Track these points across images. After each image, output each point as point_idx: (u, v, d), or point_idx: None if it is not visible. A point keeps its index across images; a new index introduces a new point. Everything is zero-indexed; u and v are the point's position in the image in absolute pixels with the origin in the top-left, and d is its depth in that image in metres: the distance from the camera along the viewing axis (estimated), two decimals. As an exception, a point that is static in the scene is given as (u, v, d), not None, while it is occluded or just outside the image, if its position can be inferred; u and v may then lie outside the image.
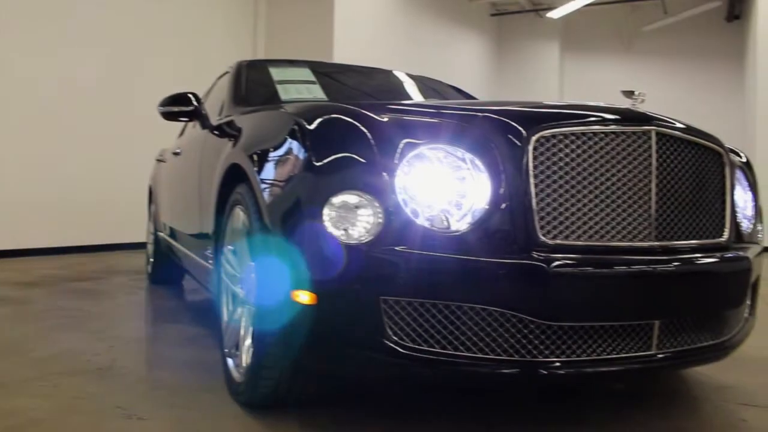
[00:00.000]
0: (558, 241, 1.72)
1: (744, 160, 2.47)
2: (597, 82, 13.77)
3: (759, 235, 2.39)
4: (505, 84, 14.10)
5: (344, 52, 8.38)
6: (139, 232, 6.67)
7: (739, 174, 2.34)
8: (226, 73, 3.71)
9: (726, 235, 2.06)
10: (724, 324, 2.06)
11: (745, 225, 2.28)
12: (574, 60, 14.35)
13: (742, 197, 2.31)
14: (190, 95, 3.33)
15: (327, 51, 8.35)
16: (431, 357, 1.67)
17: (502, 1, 13.87)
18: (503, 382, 1.77)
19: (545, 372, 1.70)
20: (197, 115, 3.31)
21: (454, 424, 1.99)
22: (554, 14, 12.57)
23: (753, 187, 2.42)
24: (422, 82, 3.88)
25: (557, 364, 1.71)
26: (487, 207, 1.70)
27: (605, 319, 1.74)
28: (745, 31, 12.08)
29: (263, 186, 1.96)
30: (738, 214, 2.24)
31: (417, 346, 1.66)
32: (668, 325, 1.84)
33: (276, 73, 3.47)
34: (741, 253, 2.08)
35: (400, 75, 3.91)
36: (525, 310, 1.65)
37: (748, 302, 2.21)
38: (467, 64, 12.86)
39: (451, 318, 1.66)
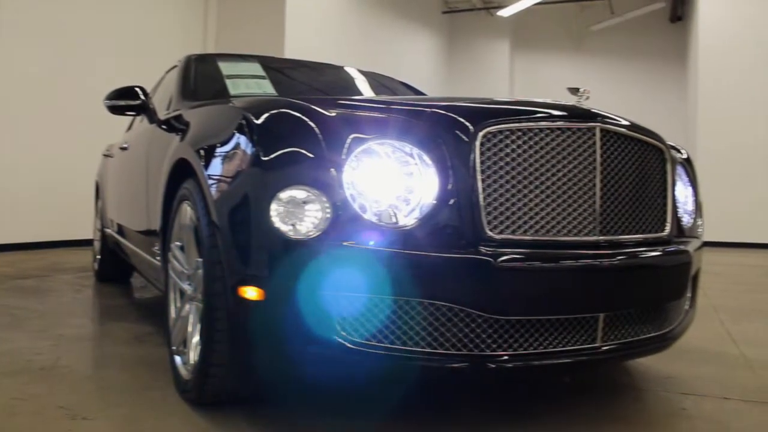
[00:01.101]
0: (505, 236, 1.74)
1: (685, 156, 2.53)
2: (547, 80, 13.98)
3: (699, 230, 2.46)
4: (456, 81, 14.21)
5: (296, 48, 8.33)
6: (86, 229, 6.52)
7: (680, 170, 2.40)
8: (175, 67, 3.65)
9: (668, 229, 2.12)
10: (666, 316, 2.11)
11: (686, 220, 2.35)
12: (525, 58, 14.55)
13: (682, 193, 2.37)
14: (137, 89, 3.26)
15: (278, 46, 8.29)
16: (380, 352, 1.67)
17: (453, -1, 13.98)
18: (452, 376, 1.78)
19: (493, 366, 1.72)
20: (144, 109, 3.25)
21: (401, 419, 2.00)
22: (505, 12, 12.72)
23: (693, 182, 2.48)
24: (373, 79, 3.88)
25: (505, 357, 1.73)
26: (434, 202, 1.71)
27: (552, 312, 1.77)
28: (688, 32, 12.43)
29: (210, 181, 1.93)
30: (679, 209, 2.30)
31: (366, 342, 1.66)
32: (612, 318, 1.88)
33: (225, 67, 3.43)
34: (682, 247, 2.13)
35: (351, 71, 3.91)
36: (473, 304, 1.67)
37: (689, 295, 2.27)
38: (419, 61, 12.92)
39: (400, 313, 1.66)
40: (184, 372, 2.13)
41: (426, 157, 1.73)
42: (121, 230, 3.89)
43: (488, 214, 1.73)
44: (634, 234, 1.98)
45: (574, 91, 2.10)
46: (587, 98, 2.09)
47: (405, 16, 12.28)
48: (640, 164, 2.03)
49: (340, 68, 3.93)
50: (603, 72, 13.92)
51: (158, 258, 2.65)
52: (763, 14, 10.25)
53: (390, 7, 11.67)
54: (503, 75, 14.14)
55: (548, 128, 1.84)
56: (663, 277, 2.06)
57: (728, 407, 2.20)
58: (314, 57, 5.59)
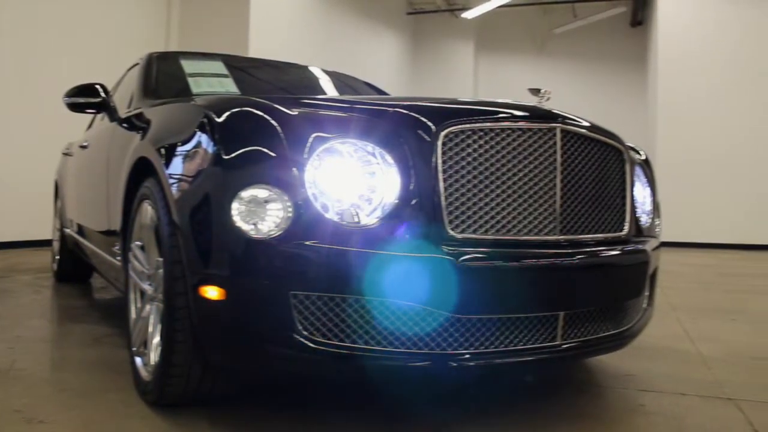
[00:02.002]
0: (466, 235, 1.75)
1: (643, 157, 2.58)
2: (510, 82, 14.12)
3: (657, 229, 2.51)
4: (420, 82, 14.27)
5: (260, 47, 8.27)
6: (45, 229, 6.39)
7: (638, 171, 2.45)
8: (136, 64, 3.60)
9: (626, 229, 2.15)
10: (625, 314, 2.15)
11: (644, 219, 2.39)
12: (489, 60, 14.67)
13: (641, 193, 2.41)
14: (98, 86, 3.21)
15: (242, 45, 8.23)
16: (342, 351, 1.67)
17: (418, 0, 14.02)
18: (414, 375, 1.79)
19: (455, 364, 1.73)
20: (105, 106, 3.20)
21: (359, 419, 2.00)
22: (469, 14, 12.81)
23: (651, 183, 2.53)
24: (337, 78, 3.88)
25: (467, 356, 1.74)
26: (396, 201, 1.71)
27: (513, 311, 1.79)
28: (647, 36, 12.67)
29: (171, 180, 1.91)
30: (637, 209, 2.34)
31: (328, 341, 1.66)
32: (572, 316, 1.90)
33: (188, 65, 3.40)
34: (640, 247, 2.17)
35: (315, 71, 3.90)
36: (435, 303, 1.68)
37: (647, 293, 2.32)
38: (383, 62, 12.94)
39: (362, 312, 1.66)
40: (144, 373, 2.10)
41: (388, 157, 1.74)
42: (80, 230, 3.83)
43: (450, 213, 1.74)
44: (593, 233, 2.02)
45: (535, 92, 2.12)
46: (548, 99, 2.12)
47: (370, 16, 12.29)
48: (599, 165, 2.06)
49: (305, 68, 3.91)
50: (565, 74, 14.11)
51: (118, 258, 2.61)
52: (720, 19, 10.49)
53: (354, 8, 11.66)
54: (467, 76, 14.24)
55: (509, 128, 1.86)
56: (622, 276, 2.09)
57: (684, 403, 2.25)
58: (279, 56, 5.56)
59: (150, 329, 2.10)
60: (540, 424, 1.99)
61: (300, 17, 9.74)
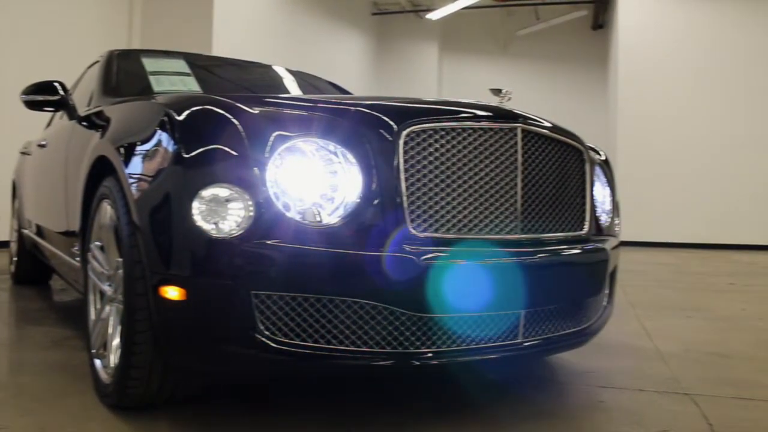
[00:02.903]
0: (428, 234, 1.76)
1: (603, 157, 2.63)
2: (474, 82, 14.22)
3: (616, 228, 2.56)
4: (385, 82, 14.29)
5: (224, 46, 8.20)
6: (2, 230, 6.25)
7: (598, 171, 2.49)
8: (96, 62, 3.54)
9: (586, 228, 2.19)
10: (585, 312, 2.18)
11: (604, 219, 2.43)
12: (453, 60, 14.76)
13: (600, 193, 2.45)
14: (56, 84, 3.15)
15: (206, 44, 8.15)
16: (304, 351, 1.67)
17: (382, 1, 14.04)
18: (377, 373, 1.80)
19: (418, 363, 1.74)
20: (64, 105, 3.14)
21: (323, 419, 2.00)
22: (433, 16, 12.88)
23: (611, 183, 2.58)
24: (301, 78, 3.86)
25: (429, 354, 1.75)
26: (358, 200, 1.71)
27: (474, 309, 1.80)
28: (608, 39, 12.88)
29: (131, 179, 1.89)
30: (597, 209, 2.38)
31: (290, 341, 1.66)
32: (533, 314, 1.93)
33: (149, 63, 3.35)
34: (600, 245, 2.21)
35: (279, 70, 3.88)
36: (396, 302, 1.68)
37: (607, 291, 2.36)
38: (348, 62, 12.92)
39: (324, 312, 1.66)
40: (104, 376, 2.07)
41: (350, 156, 1.74)
42: (39, 231, 3.75)
43: (411, 212, 1.75)
44: (554, 232, 2.04)
45: (497, 92, 2.14)
46: (509, 99, 2.14)
47: (334, 16, 12.27)
48: (559, 164, 2.09)
49: (268, 67, 3.89)
50: (528, 75, 14.26)
51: (77, 259, 2.57)
52: (679, 23, 10.72)
53: (319, 7, 11.63)
54: (432, 77, 14.31)
55: (471, 128, 1.88)
56: (582, 274, 2.13)
57: (643, 398, 2.29)
58: (242, 55, 5.52)
59: (110, 331, 2.08)
60: (501, 422, 2.01)
61: (264, 16, 9.68)
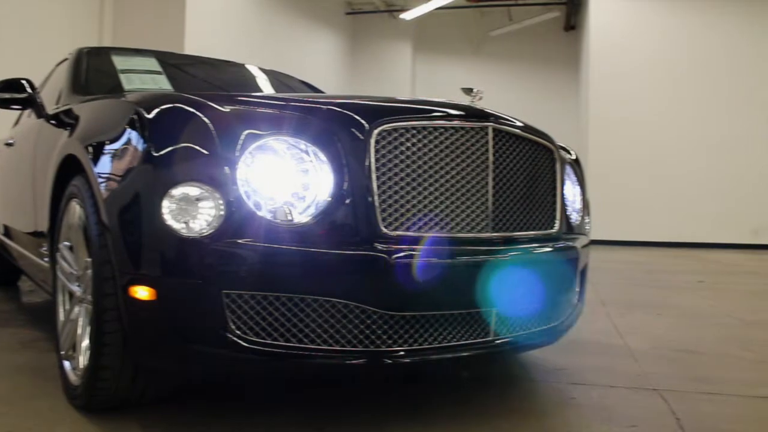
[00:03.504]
0: (400, 233, 1.77)
1: (573, 156, 2.65)
2: (447, 82, 14.27)
3: (586, 227, 2.58)
4: (358, 82, 14.29)
5: (196, 44, 8.13)
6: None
7: (568, 170, 2.51)
8: (66, 60, 3.49)
9: (557, 226, 2.21)
10: (556, 310, 2.21)
11: (574, 217, 2.46)
12: (426, 60, 14.81)
13: (571, 191, 2.48)
14: (24, 81, 3.10)
15: (178, 42, 8.07)
16: (276, 350, 1.66)
17: (356, 1, 14.04)
18: (350, 372, 1.80)
19: (390, 361, 1.75)
20: (32, 103, 3.09)
21: (295, 418, 1.99)
22: (407, 16, 12.91)
23: (581, 182, 2.60)
24: (273, 77, 3.85)
25: (402, 352, 1.76)
26: (329, 199, 1.71)
27: (447, 307, 1.81)
28: (580, 40, 13.01)
29: (100, 178, 1.87)
30: (568, 207, 2.40)
31: (261, 340, 1.65)
32: (504, 312, 1.94)
33: (119, 61, 3.31)
34: (570, 244, 2.23)
35: (252, 69, 3.86)
36: (368, 300, 1.69)
37: (578, 289, 2.38)
38: (322, 61, 12.90)
39: (296, 311, 1.66)
40: (73, 378, 2.04)
41: (321, 154, 1.74)
42: (7, 231, 3.69)
43: (383, 211, 1.75)
44: (525, 231, 2.06)
45: (468, 91, 2.16)
46: (480, 98, 2.15)
47: (309, 15, 12.23)
48: (530, 163, 2.11)
49: (241, 66, 3.87)
50: (500, 75, 14.35)
51: (46, 259, 2.53)
52: (650, 25, 10.88)
53: (294, 7, 11.59)
54: (405, 76, 14.34)
55: (443, 127, 1.89)
56: (553, 272, 2.14)
57: (613, 395, 2.32)
58: (215, 54, 5.48)
59: (79, 332, 2.05)
60: (472, 420, 2.02)
61: (237, 14, 9.62)
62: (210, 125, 1.70)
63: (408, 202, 1.80)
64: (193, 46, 8.08)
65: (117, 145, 1.85)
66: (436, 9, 12.47)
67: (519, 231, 2.03)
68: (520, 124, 2.11)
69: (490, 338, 1.92)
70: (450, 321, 1.83)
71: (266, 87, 3.69)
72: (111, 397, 1.91)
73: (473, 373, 2.54)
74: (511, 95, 13.61)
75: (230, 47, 9.00)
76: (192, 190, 1.63)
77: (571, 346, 3.00)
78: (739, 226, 10.46)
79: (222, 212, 1.62)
